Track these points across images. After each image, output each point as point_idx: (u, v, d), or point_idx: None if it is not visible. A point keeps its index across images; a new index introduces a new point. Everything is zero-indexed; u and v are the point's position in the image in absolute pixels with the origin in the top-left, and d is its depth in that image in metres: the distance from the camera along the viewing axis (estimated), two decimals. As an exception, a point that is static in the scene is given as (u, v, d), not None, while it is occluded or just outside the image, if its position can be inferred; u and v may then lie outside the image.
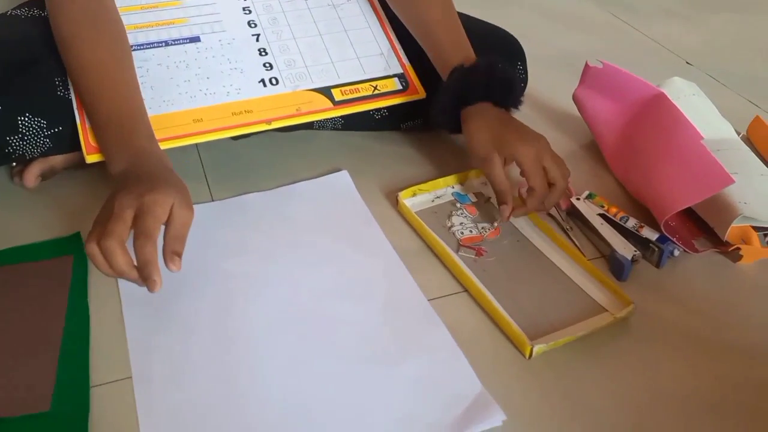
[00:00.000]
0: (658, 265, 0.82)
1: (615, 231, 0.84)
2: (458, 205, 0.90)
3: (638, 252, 0.82)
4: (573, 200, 0.89)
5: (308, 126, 1.01)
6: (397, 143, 1.03)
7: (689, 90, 1.05)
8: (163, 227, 0.67)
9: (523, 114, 0.97)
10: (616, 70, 0.96)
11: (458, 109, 0.90)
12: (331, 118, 1.01)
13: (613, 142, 0.99)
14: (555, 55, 1.33)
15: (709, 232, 0.87)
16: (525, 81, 1.01)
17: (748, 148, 0.98)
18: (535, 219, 0.87)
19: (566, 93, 1.06)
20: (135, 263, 0.65)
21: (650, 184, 0.88)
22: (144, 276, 0.64)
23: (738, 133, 1.02)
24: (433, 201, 0.90)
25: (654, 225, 0.85)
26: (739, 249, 0.83)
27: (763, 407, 0.67)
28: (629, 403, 0.67)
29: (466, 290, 0.78)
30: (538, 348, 0.68)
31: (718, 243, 0.85)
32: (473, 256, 0.81)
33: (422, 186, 0.90)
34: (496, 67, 0.88)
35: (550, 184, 0.83)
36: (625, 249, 0.81)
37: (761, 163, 0.95)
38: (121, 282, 0.75)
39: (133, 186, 0.68)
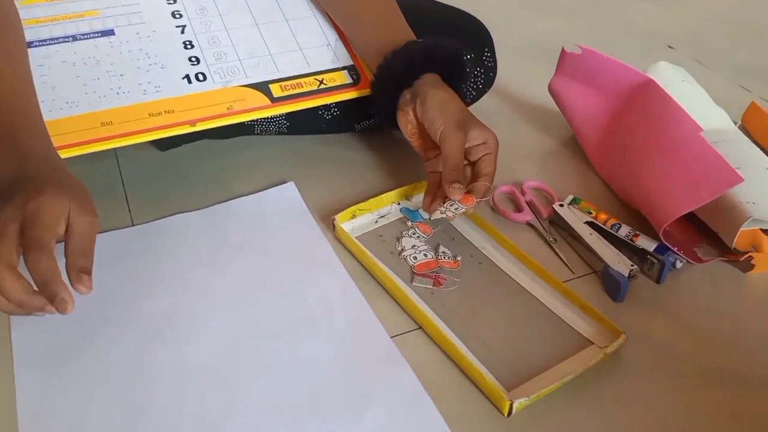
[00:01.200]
0: (658, 280, 0.70)
1: (606, 242, 0.72)
2: (409, 223, 0.76)
3: (635, 266, 0.69)
4: (555, 207, 0.77)
5: (248, 131, 0.88)
6: (352, 148, 0.90)
7: (677, 76, 0.93)
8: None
9: (493, 108, 0.85)
10: (596, 56, 0.84)
11: (400, 90, 0.75)
12: (275, 121, 0.87)
13: (597, 138, 0.87)
14: (528, 42, 1.21)
15: (713, 237, 0.75)
16: (494, 70, 0.89)
17: (748, 139, 0.87)
18: (497, 236, 0.73)
19: (542, 84, 0.94)
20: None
21: (643, 186, 0.76)
22: (48, 296, 0.51)
23: (735, 123, 0.91)
24: (377, 222, 0.76)
25: (650, 232, 0.73)
26: (750, 258, 0.71)
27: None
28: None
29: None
30: (519, 403, 0.55)
31: (724, 251, 0.74)
32: (430, 287, 0.68)
33: (362, 205, 0.76)
34: (438, 41, 0.76)
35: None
36: (620, 264, 0.69)
37: (764, 155, 0.83)
38: (14, 329, 0.61)
39: (17, 195, 0.55)
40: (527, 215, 0.78)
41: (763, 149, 0.88)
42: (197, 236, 0.74)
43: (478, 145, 0.71)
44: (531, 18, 1.34)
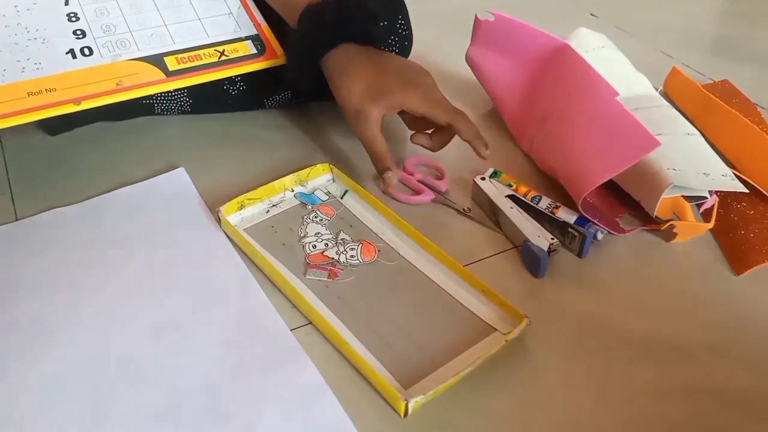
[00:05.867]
0: (580, 253, 0.67)
1: (527, 215, 0.69)
2: (309, 207, 0.71)
3: (556, 240, 0.66)
4: (477, 180, 0.73)
5: (147, 111, 0.82)
6: (261, 126, 0.84)
7: (597, 42, 0.90)
8: None
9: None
10: (510, 22, 0.80)
11: (315, 60, 0.73)
12: (176, 99, 0.81)
13: (516, 108, 0.84)
14: (449, 8, 1.17)
15: (635, 207, 0.73)
16: (409, 39, 0.84)
17: (669, 105, 0.85)
18: (396, 221, 0.69)
19: (460, 54, 0.89)
20: None
21: (561, 155, 0.73)
22: None
23: (656, 88, 0.89)
24: (268, 211, 0.71)
25: (572, 204, 0.70)
26: (672, 226, 0.69)
27: (706, 419, 0.54)
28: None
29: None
30: (415, 402, 0.51)
31: (647, 220, 0.72)
32: (324, 279, 0.63)
33: (252, 194, 0.70)
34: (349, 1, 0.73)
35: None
36: (540, 238, 0.66)
37: (686, 120, 0.82)
38: None
39: None
40: (428, 195, 0.74)
41: (684, 115, 0.86)
42: (73, 232, 0.67)
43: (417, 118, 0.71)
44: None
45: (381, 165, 0.71)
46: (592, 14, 1.22)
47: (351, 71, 0.71)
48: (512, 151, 0.83)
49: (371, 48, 0.75)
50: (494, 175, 0.75)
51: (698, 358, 0.59)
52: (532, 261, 0.64)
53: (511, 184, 0.73)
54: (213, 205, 0.69)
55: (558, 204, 0.70)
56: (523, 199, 0.71)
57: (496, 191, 0.72)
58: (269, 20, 0.79)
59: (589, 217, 0.68)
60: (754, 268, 0.67)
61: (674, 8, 1.27)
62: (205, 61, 0.75)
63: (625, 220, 0.73)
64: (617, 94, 0.68)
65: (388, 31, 0.81)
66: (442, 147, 0.76)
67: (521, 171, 0.79)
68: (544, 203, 0.70)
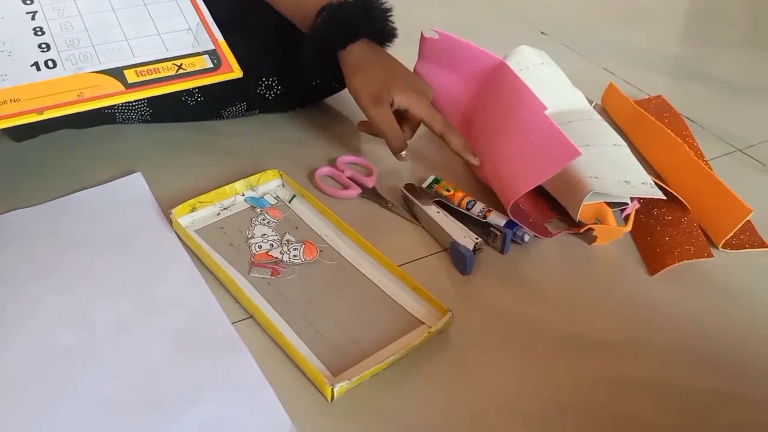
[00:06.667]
0: (502, 250, 0.73)
1: (453, 218, 0.74)
2: (258, 210, 0.76)
3: (480, 239, 0.72)
4: (403, 189, 0.79)
5: (110, 120, 0.86)
6: (218, 134, 0.89)
7: (538, 59, 0.96)
8: None
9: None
10: (453, 41, 0.86)
11: (334, 52, 0.81)
12: (136, 109, 0.86)
13: (458, 121, 0.89)
14: (402, 27, 1.22)
15: (563, 212, 0.78)
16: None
17: (601, 118, 0.91)
18: (338, 223, 0.74)
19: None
20: None
21: (494, 166, 0.79)
22: None
23: (590, 102, 0.95)
24: (219, 214, 0.76)
25: (503, 209, 0.76)
26: (591, 230, 0.75)
27: (613, 407, 0.59)
28: (465, 419, 0.57)
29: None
30: (341, 387, 0.56)
31: (572, 224, 0.77)
32: (267, 277, 0.68)
33: (203, 197, 0.75)
34: (371, 1, 0.82)
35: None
36: (465, 238, 0.71)
37: (615, 133, 0.88)
38: None
39: None
40: (355, 189, 0.80)
41: (618, 127, 0.92)
42: (34, 231, 0.71)
43: (405, 111, 0.78)
44: (408, 2, 1.35)
45: (397, 143, 0.79)
46: (542, 32, 1.29)
47: (368, 62, 0.79)
48: (457, 163, 0.88)
49: (383, 49, 0.83)
50: (435, 182, 0.80)
51: (610, 351, 0.64)
52: (460, 260, 0.70)
53: (449, 189, 0.79)
54: (167, 208, 0.73)
55: (491, 209, 0.76)
56: (455, 206, 0.76)
57: (424, 198, 0.77)
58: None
59: (518, 222, 0.74)
60: (667, 268, 0.73)
61: (620, 29, 1.35)
62: (163, 74, 0.79)
63: (554, 225, 0.79)
64: (545, 108, 0.74)
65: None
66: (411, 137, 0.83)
67: (464, 180, 0.85)
68: (478, 208, 0.76)
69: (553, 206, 0.80)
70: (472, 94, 0.86)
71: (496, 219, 0.74)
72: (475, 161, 0.79)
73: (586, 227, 0.75)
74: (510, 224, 0.73)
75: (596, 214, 0.77)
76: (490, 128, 0.81)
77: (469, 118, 0.87)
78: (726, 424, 0.59)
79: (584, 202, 0.74)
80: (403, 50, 0.86)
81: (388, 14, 0.83)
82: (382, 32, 0.83)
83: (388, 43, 0.84)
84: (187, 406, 0.55)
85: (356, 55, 0.80)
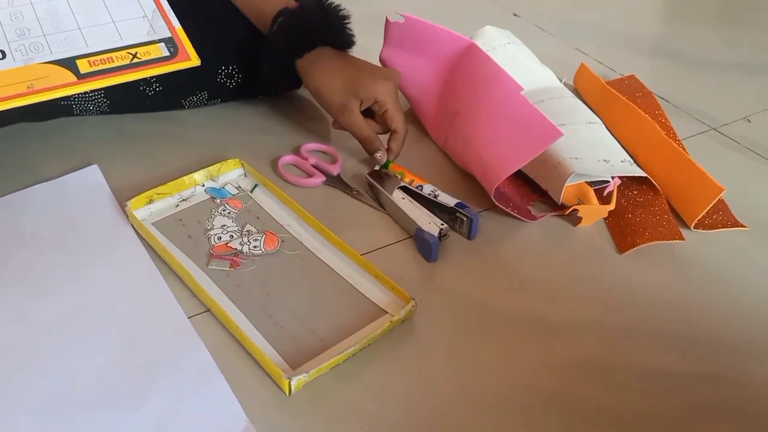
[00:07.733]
0: (469, 236, 0.71)
1: (419, 205, 0.72)
2: (218, 200, 0.74)
3: (446, 226, 0.70)
4: (368, 176, 0.76)
5: (67, 112, 0.83)
6: (179, 124, 0.86)
7: (503, 39, 0.94)
8: None
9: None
10: (419, 23, 0.83)
11: (293, 59, 0.79)
12: (93, 100, 0.82)
13: (430, 106, 0.87)
14: (372, 12, 1.20)
15: (546, 194, 0.76)
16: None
17: (572, 95, 0.89)
18: (301, 213, 0.71)
19: (376, 55, 0.92)
20: None
21: (473, 150, 0.76)
22: None
23: (560, 80, 0.94)
24: (178, 205, 0.73)
25: (459, 191, 0.74)
26: (576, 211, 0.73)
27: (582, 391, 0.58)
28: (429, 410, 0.55)
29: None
30: (298, 381, 0.54)
31: (555, 206, 0.75)
32: (226, 269, 0.65)
33: (161, 189, 0.72)
34: (328, 6, 0.80)
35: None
36: (430, 224, 0.69)
37: (588, 110, 0.86)
38: None
39: None
40: (319, 177, 0.78)
41: (590, 107, 0.90)
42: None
43: (372, 105, 0.77)
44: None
45: (371, 146, 0.78)
46: (515, 14, 1.27)
47: (329, 70, 0.77)
48: (429, 149, 0.86)
49: (342, 51, 0.80)
50: (384, 166, 0.78)
51: (580, 334, 0.63)
52: (424, 247, 0.68)
53: (397, 174, 0.76)
54: (124, 201, 0.70)
55: (438, 191, 0.73)
56: (412, 188, 0.74)
57: (388, 185, 0.75)
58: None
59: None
60: (639, 249, 0.71)
61: (593, 9, 1.33)
62: (117, 63, 0.77)
63: (537, 207, 0.77)
64: (521, 88, 0.72)
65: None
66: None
67: (438, 167, 0.82)
68: (427, 190, 0.73)
69: (534, 189, 0.78)
70: (443, 77, 0.84)
71: (445, 199, 0.72)
72: (380, 158, 0.78)
73: (571, 208, 0.73)
74: (462, 204, 0.71)
75: (578, 194, 0.75)
76: (463, 112, 0.78)
77: (439, 103, 0.85)
78: (701, 404, 0.57)
79: (566, 184, 0.72)
80: (369, 37, 0.83)
81: (346, 21, 0.80)
82: (341, 41, 0.80)
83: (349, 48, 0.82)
84: (140, 402, 0.53)
85: (314, 63, 0.79)
